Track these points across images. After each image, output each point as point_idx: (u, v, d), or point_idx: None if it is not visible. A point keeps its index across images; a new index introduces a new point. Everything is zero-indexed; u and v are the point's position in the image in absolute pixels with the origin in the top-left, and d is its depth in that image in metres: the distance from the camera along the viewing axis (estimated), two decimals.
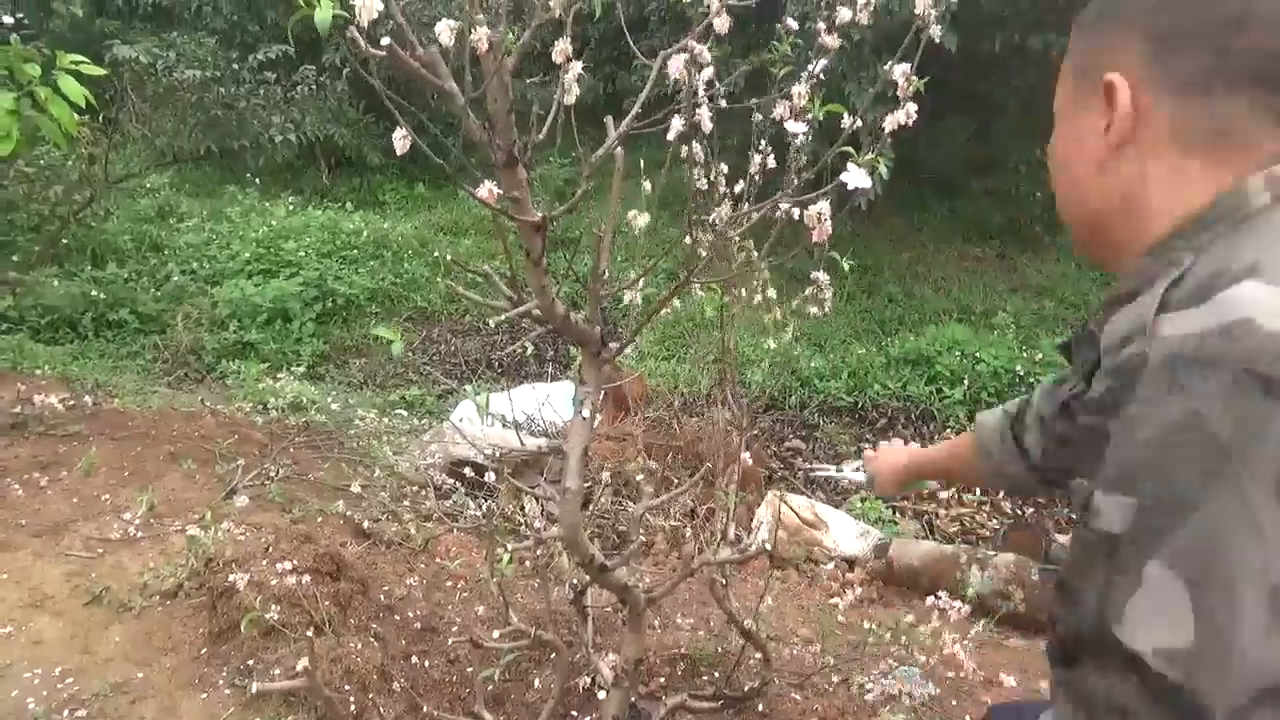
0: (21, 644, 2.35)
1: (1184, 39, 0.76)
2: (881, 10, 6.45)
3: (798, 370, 6.31)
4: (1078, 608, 0.70)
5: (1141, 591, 0.62)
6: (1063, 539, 3.61)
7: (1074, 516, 0.78)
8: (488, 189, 1.28)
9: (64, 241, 7.11)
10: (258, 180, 9.38)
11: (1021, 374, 5.94)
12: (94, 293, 6.37)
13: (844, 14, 1.17)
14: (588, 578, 1.90)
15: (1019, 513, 4.66)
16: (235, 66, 8.74)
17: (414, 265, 7.99)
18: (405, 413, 5.16)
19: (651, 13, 9.37)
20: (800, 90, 1.13)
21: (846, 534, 3.70)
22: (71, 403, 4.08)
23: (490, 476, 3.15)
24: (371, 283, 7.47)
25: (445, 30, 1.06)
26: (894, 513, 4.57)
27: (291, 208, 8.66)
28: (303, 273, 7.13)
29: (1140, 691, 0.62)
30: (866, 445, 1.67)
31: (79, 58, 3.73)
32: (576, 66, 1.15)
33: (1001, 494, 4.83)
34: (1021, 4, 7.91)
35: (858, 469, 1.77)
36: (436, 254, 8.25)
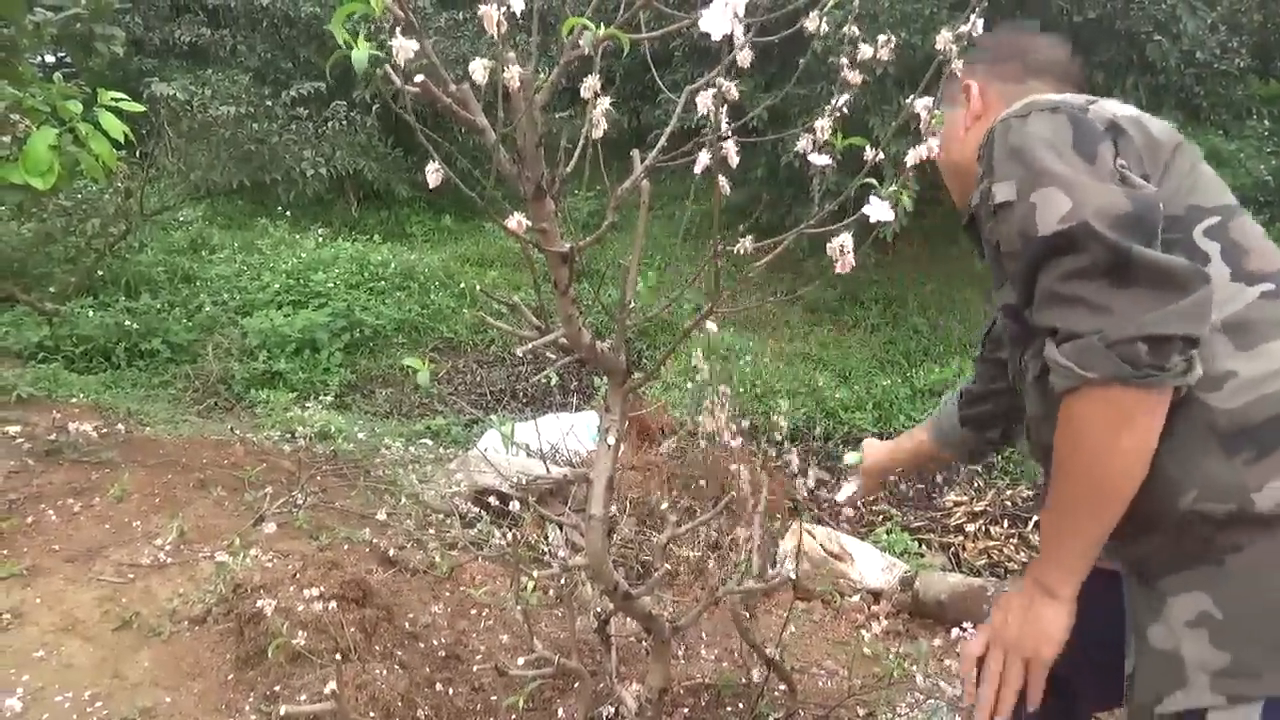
0: (53, 667, 2.38)
1: (1004, 60, 1.43)
2: (904, 46, 6.51)
3: (822, 401, 6.29)
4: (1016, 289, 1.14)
5: (1029, 205, 1.07)
6: None
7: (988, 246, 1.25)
8: (516, 221, 1.31)
9: (99, 273, 7.27)
10: (288, 213, 9.54)
11: None
12: (127, 323, 6.48)
13: (866, 50, 1.19)
14: (612, 606, 1.90)
15: None
16: (269, 103, 8.93)
17: (440, 296, 8.08)
18: (430, 442, 5.19)
19: (676, 48, 9.49)
20: (823, 124, 1.15)
21: (872, 566, 3.67)
22: (105, 430, 4.14)
23: (515, 505, 3.17)
24: (398, 313, 7.56)
25: (479, 69, 1.09)
26: (919, 545, 4.53)
27: (320, 240, 8.79)
28: (331, 303, 7.23)
29: (1061, 266, 1.03)
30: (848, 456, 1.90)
31: (119, 95, 3.84)
32: (604, 102, 1.18)
33: (1030, 525, 4.78)
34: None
35: (850, 476, 1.90)
36: (462, 285, 8.34)
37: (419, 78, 1.19)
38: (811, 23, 1.31)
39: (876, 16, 6.99)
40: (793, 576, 1.75)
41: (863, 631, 2.89)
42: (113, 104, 3.79)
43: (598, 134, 1.21)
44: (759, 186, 9.24)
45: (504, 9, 1.06)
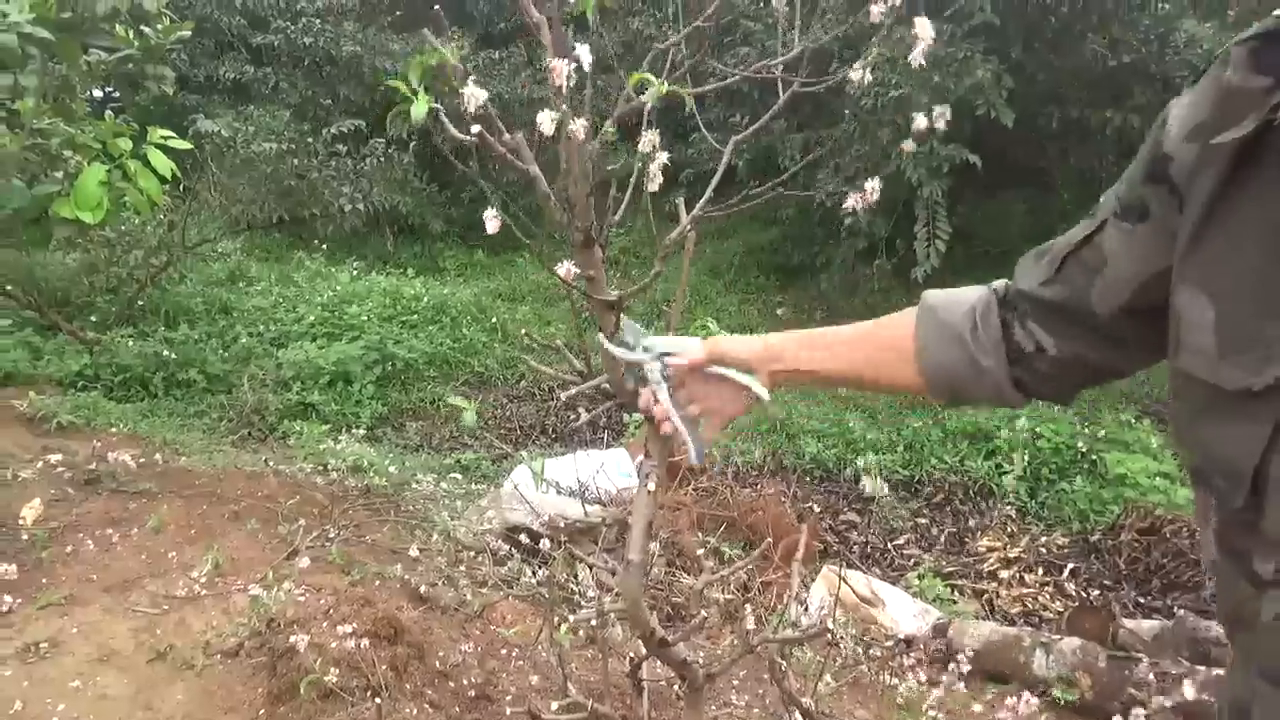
0: (88, 698, 2.40)
1: None
2: (938, 89, 6.54)
3: (852, 442, 6.25)
4: None
5: None
6: (1130, 624, 3.49)
7: None
8: (566, 268, 1.33)
9: (140, 303, 7.43)
10: (324, 246, 9.70)
11: (1083, 450, 5.80)
12: (166, 353, 6.59)
13: (920, 121, 1.19)
14: (644, 650, 1.89)
15: (1084, 594, 4.51)
16: (309, 140, 9.12)
17: (472, 330, 8.15)
18: (460, 476, 5.21)
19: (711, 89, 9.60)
20: (873, 185, 1.16)
21: (904, 612, 3.62)
22: (143, 460, 4.20)
23: (546, 543, 3.17)
24: (430, 347, 7.62)
25: (546, 121, 1.12)
26: (952, 591, 4.46)
27: (355, 273, 8.92)
28: (364, 336, 7.31)
29: None
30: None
31: (167, 132, 3.96)
32: (662, 157, 1.21)
33: (1065, 574, 4.70)
34: (1079, 81, 7.93)
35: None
36: (494, 320, 8.40)
37: (475, 128, 1.22)
38: (856, 74, 1.32)
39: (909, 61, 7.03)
40: (830, 627, 1.73)
41: (896, 680, 2.85)
42: (161, 141, 3.90)
43: (653, 187, 1.23)
44: (789, 226, 9.29)
45: (573, 65, 1.09)
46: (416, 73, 1.07)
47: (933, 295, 1.15)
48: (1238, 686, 0.89)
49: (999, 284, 1.10)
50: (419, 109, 1.10)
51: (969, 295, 1.12)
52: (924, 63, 1.21)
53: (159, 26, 3.65)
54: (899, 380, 1.16)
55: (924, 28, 1.19)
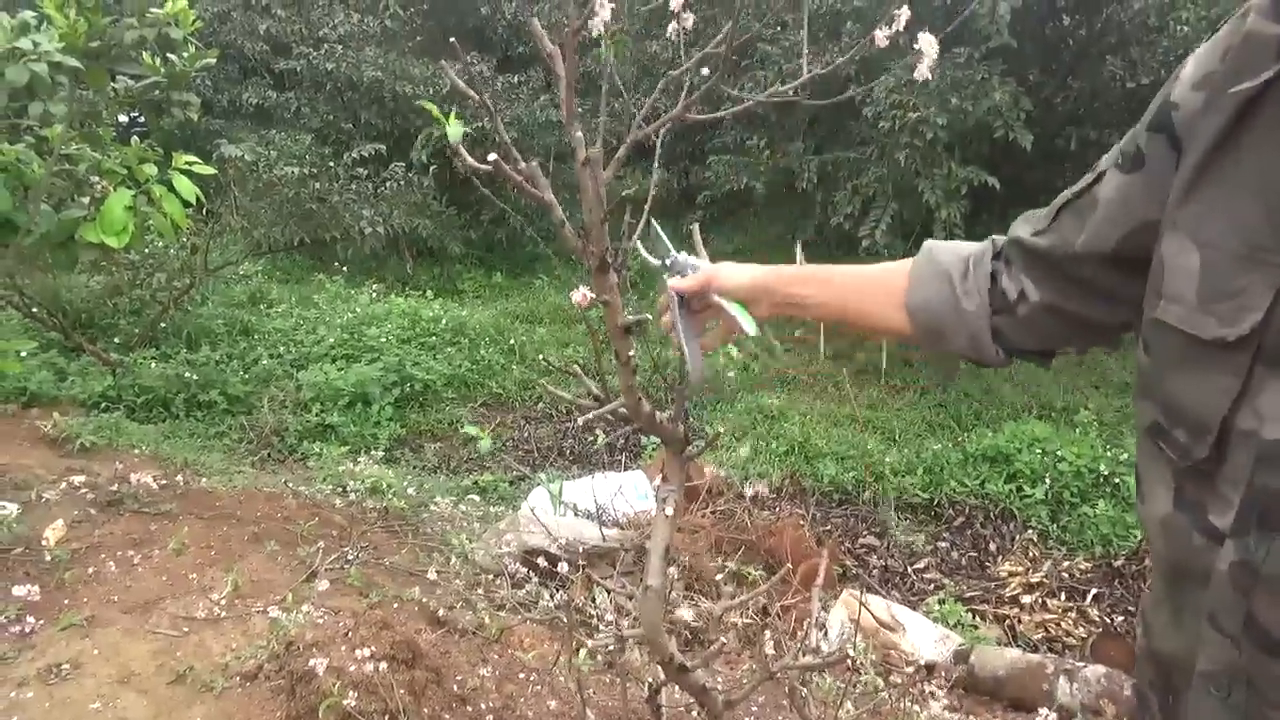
0: None
1: None
2: (956, 111, 6.54)
3: (872, 465, 6.21)
4: None
5: None
6: None
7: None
8: (582, 294, 1.34)
9: (162, 325, 7.51)
10: (344, 268, 9.78)
11: (1106, 474, 5.74)
12: (187, 374, 6.65)
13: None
14: (663, 676, 1.88)
15: (1108, 621, 4.45)
16: (330, 164, 9.23)
17: (490, 352, 8.18)
18: (478, 498, 5.22)
19: (725, 108, 9.65)
20: (883, 229, 1.16)
21: (925, 638, 3.58)
22: (164, 481, 4.23)
23: (563, 567, 3.17)
24: (448, 369, 7.65)
25: (598, 24, 1.13)
26: (973, 616, 4.41)
27: (375, 295, 8.99)
28: (383, 358, 7.35)
29: None
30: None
31: (192, 158, 4.02)
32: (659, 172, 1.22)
33: (1088, 599, 4.64)
34: (1098, 103, 7.91)
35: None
36: (512, 341, 8.43)
37: (492, 156, 1.23)
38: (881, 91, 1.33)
39: (928, 83, 7.05)
40: (851, 654, 1.72)
41: (917, 708, 2.82)
42: (186, 167, 3.96)
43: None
44: (807, 249, 9.28)
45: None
46: (454, 130, 1.10)
47: (934, 243, 1.17)
48: (1174, 640, 0.91)
49: (999, 238, 1.11)
50: (454, 131, 1.12)
51: (969, 245, 1.13)
52: (930, 76, 1.21)
53: (185, 54, 3.72)
54: (885, 321, 1.17)
55: (928, 44, 1.19)
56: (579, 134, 1.23)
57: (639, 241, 1.32)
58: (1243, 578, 0.77)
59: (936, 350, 1.15)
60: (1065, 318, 1.01)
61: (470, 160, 1.31)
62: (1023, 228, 1.04)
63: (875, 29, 1.20)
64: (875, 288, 1.19)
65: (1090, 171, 0.96)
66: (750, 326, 1.23)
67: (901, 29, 1.21)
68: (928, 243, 1.17)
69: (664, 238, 1.33)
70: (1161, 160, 0.84)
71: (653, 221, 1.33)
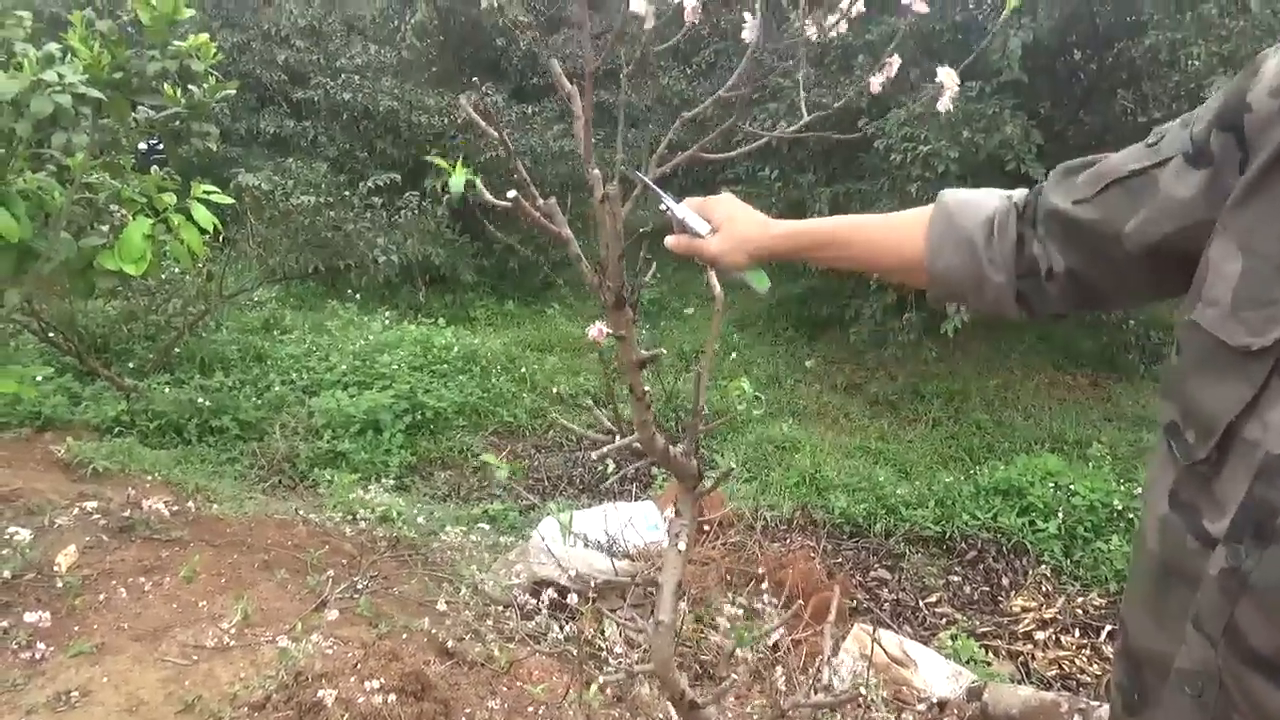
0: None
1: None
2: (967, 144, 6.57)
3: (883, 496, 6.18)
4: None
5: None
6: None
7: None
8: (598, 329, 1.35)
9: (177, 350, 7.55)
10: (357, 296, 9.84)
11: (1119, 508, 5.69)
12: (200, 400, 6.67)
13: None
14: (674, 712, 1.87)
15: None
16: (345, 192, 9.31)
17: (501, 380, 8.18)
18: (488, 527, 5.21)
19: (739, 143, 9.71)
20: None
21: (937, 674, 3.55)
22: (175, 507, 4.24)
23: (573, 598, 3.15)
24: (460, 397, 7.66)
25: (641, 3, 1.15)
26: (986, 652, 4.36)
27: (387, 322, 9.02)
28: (395, 385, 7.36)
29: None
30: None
31: (211, 187, 4.07)
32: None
33: (1103, 636, 4.58)
34: (1109, 136, 7.93)
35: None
36: (523, 370, 8.45)
37: (511, 193, 1.25)
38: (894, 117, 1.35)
39: (939, 116, 7.09)
40: (863, 692, 1.70)
41: None
42: (204, 196, 4.01)
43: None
44: (818, 279, 9.30)
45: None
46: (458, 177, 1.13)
47: (950, 196, 1.15)
48: (1154, 638, 0.91)
49: (1019, 194, 1.10)
50: (456, 182, 1.14)
51: (988, 202, 1.12)
52: (950, 108, 1.23)
53: (205, 85, 3.77)
54: (905, 277, 1.20)
55: (949, 77, 1.21)
56: (596, 172, 1.25)
57: (649, 181, 1.32)
58: (1231, 584, 0.78)
59: (943, 303, 1.20)
60: (1087, 289, 1.03)
61: (489, 197, 1.33)
62: (1060, 194, 1.02)
63: (870, 74, 1.22)
64: (891, 254, 1.19)
65: (1148, 146, 0.94)
66: (761, 288, 1.26)
67: (892, 76, 1.23)
68: (943, 197, 1.15)
69: (662, 194, 1.34)
70: (1228, 160, 0.84)
71: (648, 181, 1.33)
